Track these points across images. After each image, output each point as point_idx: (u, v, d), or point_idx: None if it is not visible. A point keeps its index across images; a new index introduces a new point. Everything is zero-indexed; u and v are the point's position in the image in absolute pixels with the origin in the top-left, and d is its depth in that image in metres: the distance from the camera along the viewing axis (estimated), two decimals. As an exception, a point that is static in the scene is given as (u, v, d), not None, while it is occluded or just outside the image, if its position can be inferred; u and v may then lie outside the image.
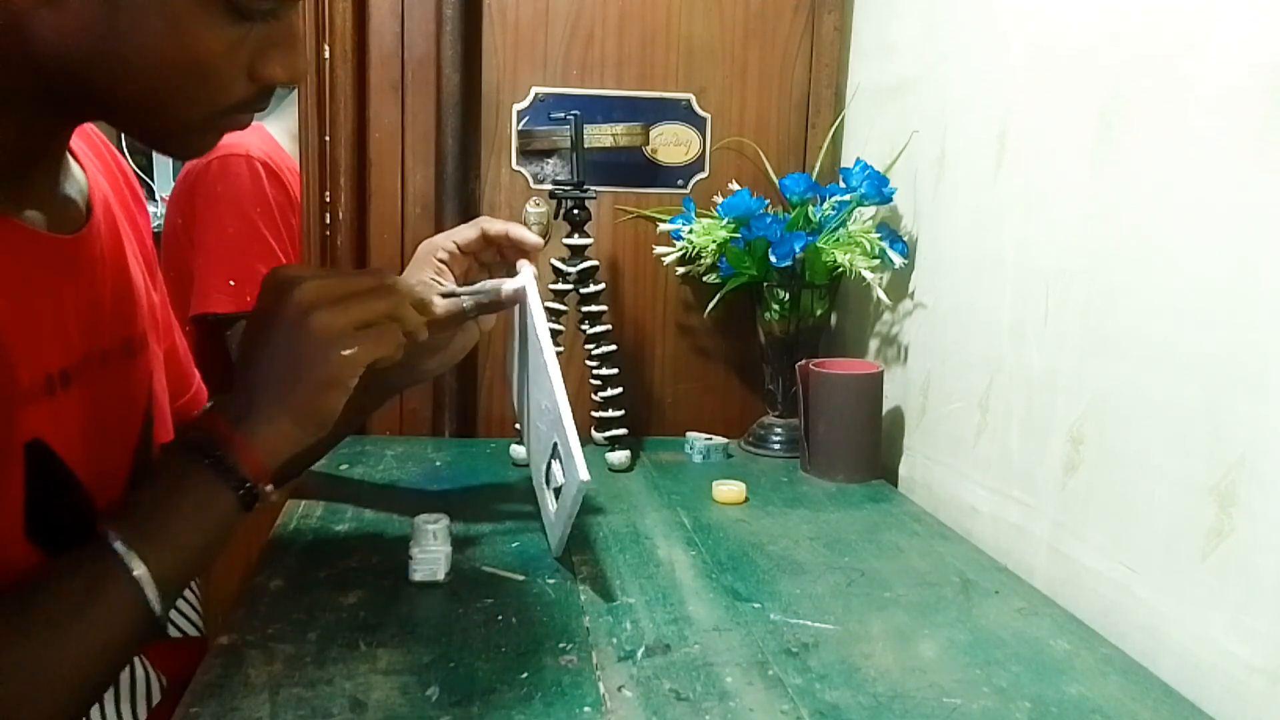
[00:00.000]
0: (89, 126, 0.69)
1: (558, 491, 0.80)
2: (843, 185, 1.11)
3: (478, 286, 0.80)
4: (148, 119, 0.57)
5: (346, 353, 0.63)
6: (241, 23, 0.55)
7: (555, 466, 0.79)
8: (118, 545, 0.54)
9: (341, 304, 0.64)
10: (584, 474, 0.72)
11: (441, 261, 0.83)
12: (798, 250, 1.08)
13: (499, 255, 0.85)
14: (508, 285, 0.80)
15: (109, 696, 0.64)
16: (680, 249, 1.16)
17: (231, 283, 1.49)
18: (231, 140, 1.49)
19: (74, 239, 0.62)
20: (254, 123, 1.61)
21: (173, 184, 2.67)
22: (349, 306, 0.64)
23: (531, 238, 0.83)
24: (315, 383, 0.62)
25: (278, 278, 0.64)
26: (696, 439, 1.15)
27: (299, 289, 0.63)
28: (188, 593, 0.76)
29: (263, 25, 0.56)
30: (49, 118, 0.58)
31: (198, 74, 0.55)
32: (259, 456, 0.60)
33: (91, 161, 0.69)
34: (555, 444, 0.78)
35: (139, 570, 0.54)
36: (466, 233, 0.84)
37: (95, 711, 0.62)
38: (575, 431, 0.74)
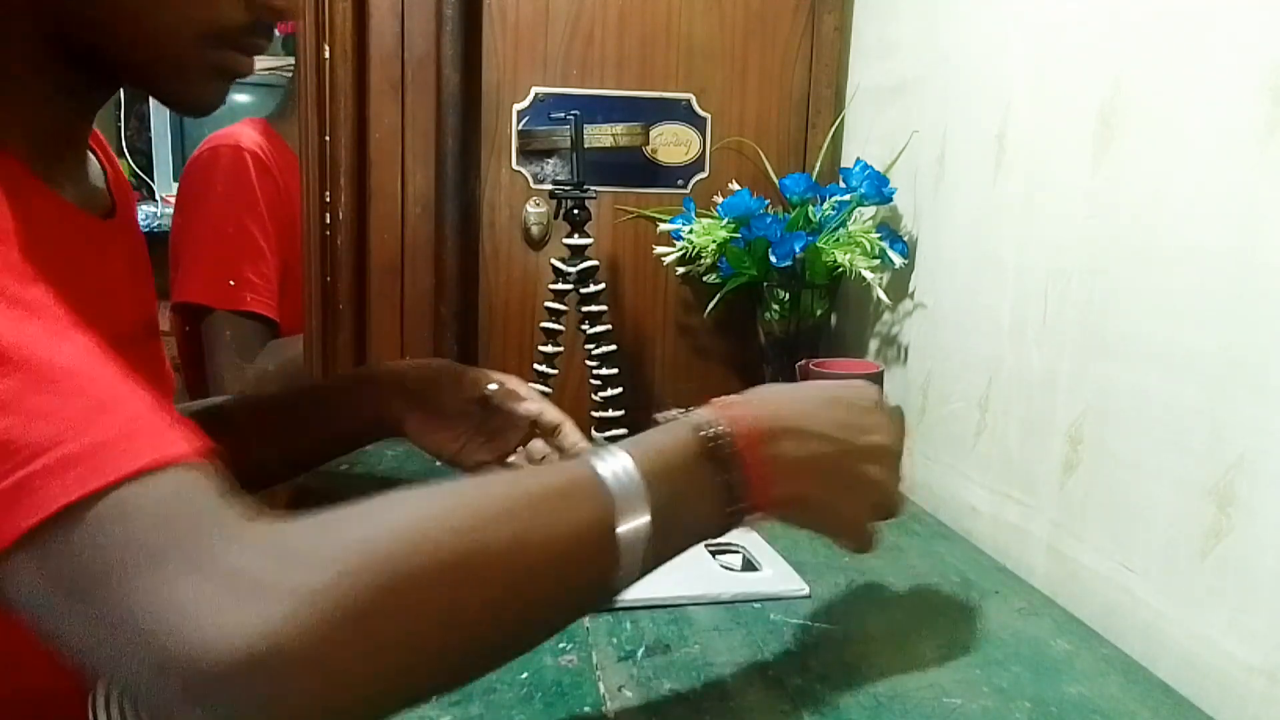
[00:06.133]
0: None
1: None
2: (843, 185, 1.11)
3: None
4: (142, 40, 0.58)
5: (868, 527, 0.64)
6: None
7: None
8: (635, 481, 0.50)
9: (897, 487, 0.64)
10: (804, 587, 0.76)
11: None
12: (798, 250, 1.08)
13: None
14: None
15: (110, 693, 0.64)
16: (680, 249, 1.16)
17: (228, 284, 1.48)
18: (223, 132, 1.51)
19: (108, 222, 0.65)
20: (257, 118, 1.62)
21: (173, 183, 2.67)
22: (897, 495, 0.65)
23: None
24: (833, 513, 0.61)
25: (885, 407, 0.64)
26: (696, 439, 1.15)
27: (895, 446, 0.64)
28: None
29: None
30: (79, 91, 0.60)
31: None
32: (769, 491, 0.57)
33: (98, 146, 0.71)
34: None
35: (643, 519, 0.49)
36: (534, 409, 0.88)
37: (99, 709, 0.62)
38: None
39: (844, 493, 0.61)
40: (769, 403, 0.59)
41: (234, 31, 0.58)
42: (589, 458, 0.51)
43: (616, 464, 0.50)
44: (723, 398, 0.59)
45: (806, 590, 0.76)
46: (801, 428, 0.59)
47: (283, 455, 0.91)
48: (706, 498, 0.54)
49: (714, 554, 0.80)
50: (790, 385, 0.64)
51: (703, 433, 0.54)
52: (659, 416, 0.58)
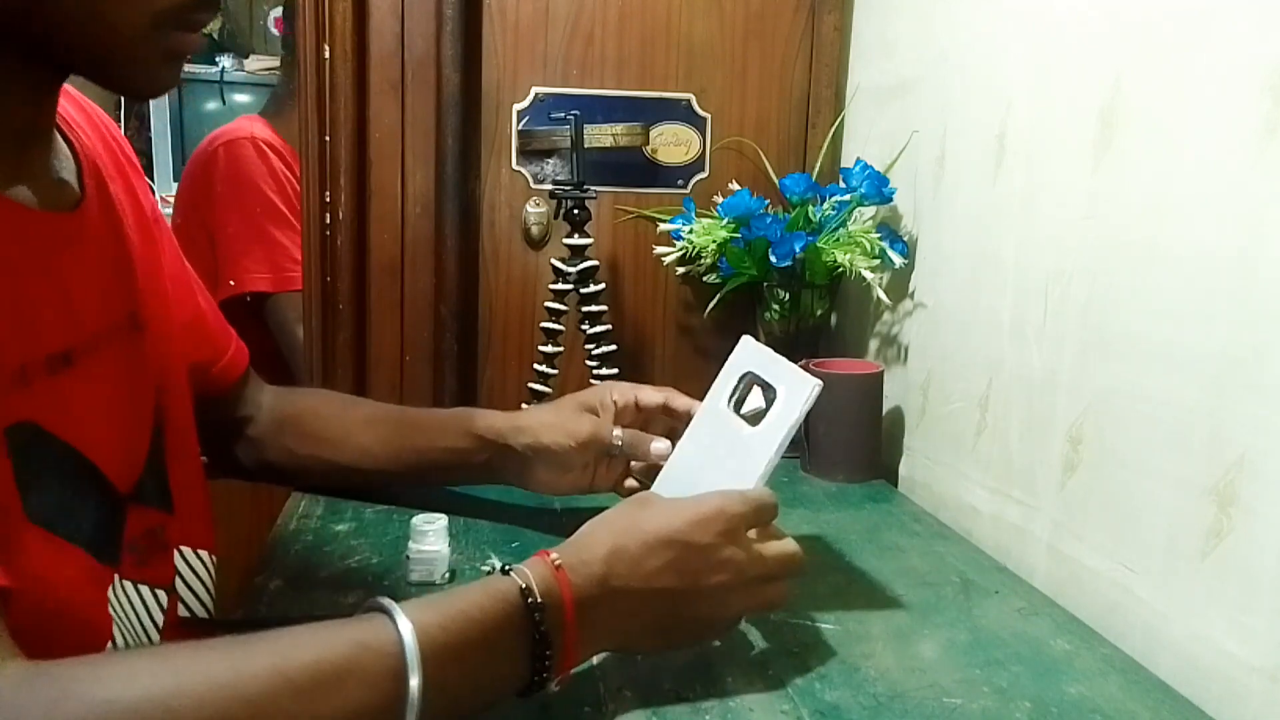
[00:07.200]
0: (81, 98, 0.69)
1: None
2: (843, 185, 1.11)
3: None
4: (95, 29, 0.56)
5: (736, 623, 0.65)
6: None
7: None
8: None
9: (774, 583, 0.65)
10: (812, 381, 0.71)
11: (615, 402, 0.84)
12: (798, 250, 1.08)
13: (670, 424, 0.85)
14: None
15: None
16: (680, 249, 1.16)
17: (233, 283, 1.49)
18: (230, 127, 1.54)
19: (72, 216, 0.62)
20: (253, 115, 1.63)
21: (173, 183, 2.67)
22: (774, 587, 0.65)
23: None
24: (687, 638, 0.64)
25: (733, 535, 0.62)
26: (696, 439, 1.15)
27: (747, 572, 0.63)
28: (206, 581, 0.74)
29: None
30: (28, 80, 0.58)
31: None
32: (576, 662, 0.57)
33: (82, 130, 0.69)
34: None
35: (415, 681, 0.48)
36: (651, 396, 0.85)
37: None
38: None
39: (670, 635, 0.63)
40: (603, 558, 0.58)
41: (180, 10, 0.58)
42: (372, 633, 0.49)
43: (397, 642, 0.49)
44: (559, 551, 0.58)
45: (819, 384, 0.70)
46: (630, 588, 0.59)
47: (365, 461, 0.90)
48: (508, 668, 0.54)
49: (738, 410, 0.75)
50: (633, 524, 0.61)
51: (529, 602, 0.54)
52: (486, 567, 0.58)
